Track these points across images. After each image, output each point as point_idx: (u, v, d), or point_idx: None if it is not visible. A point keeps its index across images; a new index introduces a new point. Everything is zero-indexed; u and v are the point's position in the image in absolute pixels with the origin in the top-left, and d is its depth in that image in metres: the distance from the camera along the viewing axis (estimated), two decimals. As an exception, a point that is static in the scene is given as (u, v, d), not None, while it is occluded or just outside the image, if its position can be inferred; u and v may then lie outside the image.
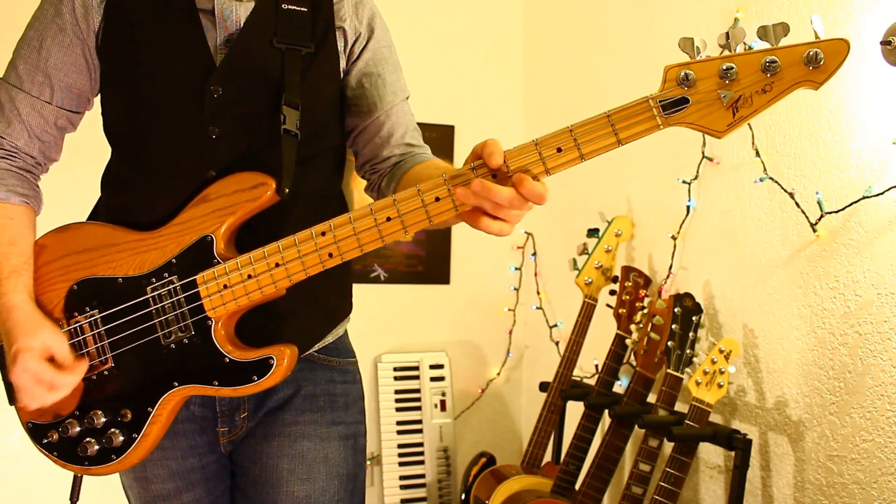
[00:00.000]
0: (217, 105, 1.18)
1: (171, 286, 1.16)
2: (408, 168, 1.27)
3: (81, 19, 1.20)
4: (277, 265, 1.11)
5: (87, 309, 1.20)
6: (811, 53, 0.90)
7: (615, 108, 0.98)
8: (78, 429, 1.20)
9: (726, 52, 0.95)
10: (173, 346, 1.17)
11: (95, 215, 1.32)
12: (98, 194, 1.34)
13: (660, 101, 0.96)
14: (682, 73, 0.95)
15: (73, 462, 1.21)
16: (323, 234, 1.09)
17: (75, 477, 1.26)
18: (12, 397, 1.24)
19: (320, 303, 1.31)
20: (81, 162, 1.69)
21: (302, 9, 1.23)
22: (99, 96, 1.30)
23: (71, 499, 1.27)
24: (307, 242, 1.09)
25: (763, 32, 0.93)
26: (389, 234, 1.06)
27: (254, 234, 1.17)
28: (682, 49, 0.97)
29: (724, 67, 0.94)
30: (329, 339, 1.35)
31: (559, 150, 0.99)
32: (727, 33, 0.95)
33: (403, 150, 1.32)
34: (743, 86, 0.94)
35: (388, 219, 1.06)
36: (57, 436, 1.21)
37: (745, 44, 0.95)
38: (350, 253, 1.08)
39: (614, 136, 0.97)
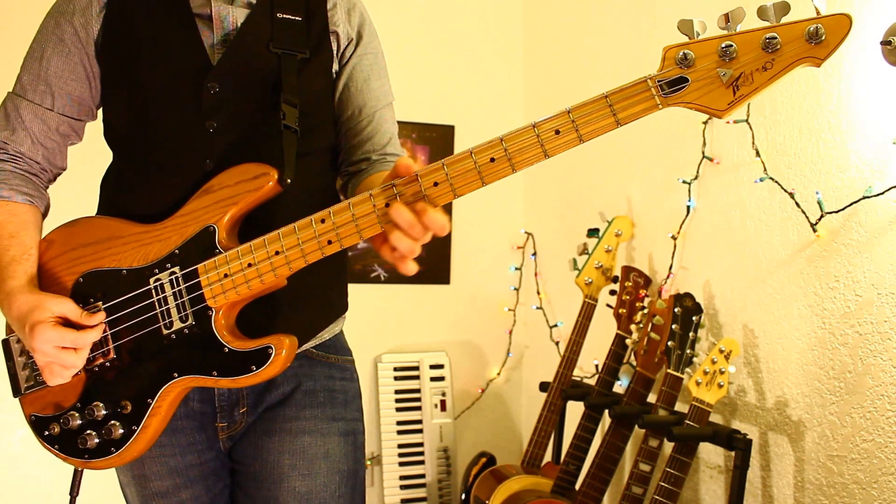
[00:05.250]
0: (214, 101, 1.22)
1: (173, 276, 1.18)
2: (366, 177, 1.30)
3: (80, 29, 1.25)
4: (277, 253, 1.12)
5: (93, 300, 1.22)
6: (812, 29, 0.89)
7: (613, 88, 0.97)
8: (79, 421, 1.21)
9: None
10: (174, 336, 1.18)
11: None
12: None
13: (658, 81, 0.95)
14: (681, 53, 0.94)
15: (73, 455, 1.22)
16: (322, 221, 1.09)
17: (75, 471, 1.27)
18: (16, 389, 1.25)
19: (318, 298, 1.33)
20: (88, 168, 1.71)
21: (296, 18, 1.28)
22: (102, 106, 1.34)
23: (71, 493, 1.28)
24: (306, 229, 1.10)
25: (763, 12, 0.92)
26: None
27: (257, 228, 1.18)
28: (682, 31, 0.96)
29: (724, 46, 0.93)
30: (326, 335, 1.36)
31: (557, 132, 0.99)
32: (727, 15, 0.94)
33: (377, 158, 1.35)
34: (743, 64, 0.92)
35: (387, 204, 1.06)
36: (58, 428, 1.22)
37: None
38: (349, 239, 1.09)
39: (612, 117, 0.97)
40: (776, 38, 0.91)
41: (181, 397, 1.21)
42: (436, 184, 1.04)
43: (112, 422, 1.19)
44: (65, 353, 1.15)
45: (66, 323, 1.17)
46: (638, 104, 0.96)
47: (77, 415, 1.21)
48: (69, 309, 1.17)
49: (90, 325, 1.18)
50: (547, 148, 1.00)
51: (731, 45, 0.92)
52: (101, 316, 1.19)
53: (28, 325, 1.15)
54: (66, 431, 1.21)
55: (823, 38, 0.89)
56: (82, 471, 1.27)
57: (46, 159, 1.31)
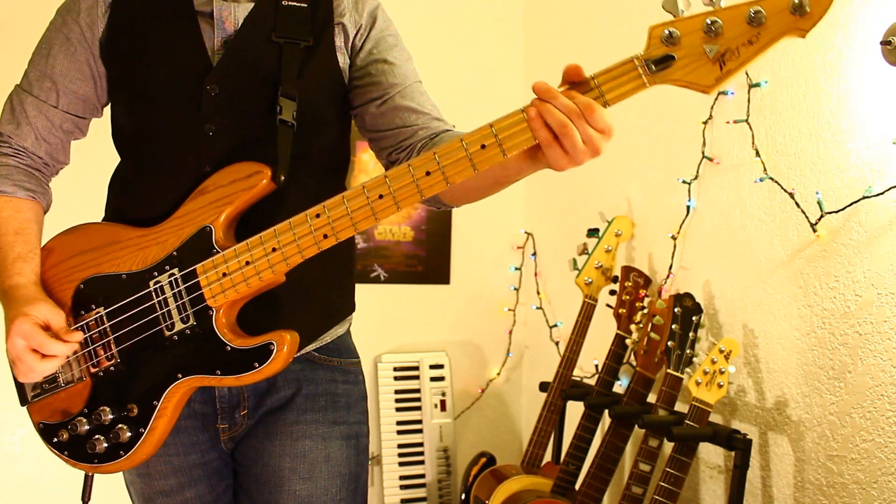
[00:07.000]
0: (214, 103, 1.21)
1: (172, 278, 1.18)
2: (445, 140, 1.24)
3: (86, 28, 1.26)
4: (274, 250, 1.12)
5: (94, 307, 1.22)
6: (797, 2, 0.89)
7: (599, 70, 0.98)
8: (87, 427, 1.21)
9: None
10: (176, 337, 1.18)
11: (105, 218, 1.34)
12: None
13: (645, 60, 0.96)
14: (666, 32, 0.95)
15: (83, 461, 1.22)
16: (317, 216, 1.10)
17: (86, 476, 1.27)
18: (23, 397, 1.26)
19: (320, 301, 1.32)
20: (95, 168, 1.71)
21: (302, 5, 1.26)
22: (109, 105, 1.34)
23: (83, 499, 1.27)
24: (302, 225, 1.11)
25: None
26: (382, 211, 1.07)
27: (253, 230, 1.17)
28: (666, 9, 0.96)
29: (709, 22, 0.93)
30: (328, 338, 1.35)
31: None
32: None
33: (435, 126, 1.29)
34: (728, 39, 0.93)
35: (381, 196, 1.06)
36: (67, 435, 1.22)
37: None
38: (344, 232, 1.10)
39: (601, 98, 0.98)
40: (761, 11, 0.91)
41: (186, 398, 1.22)
42: (428, 173, 1.04)
43: (119, 425, 1.20)
44: (30, 355, 1.14)
45: (49, 331, 1.17)
46: (625, 84, 0.97)
47: (84, 420, 1.21)
48: (57, 319, 1.18)
49: (65, 340, 1.17)
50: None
51: (717, 21, 0.93)
52: (79, 336, 1.19)
53: (14, 313, 1.16)
54: (74, 437, 1.22)
55: (808, 9, 0.89)
56: (93, 475, 1.27)
57: (49, 155, 1.32)
